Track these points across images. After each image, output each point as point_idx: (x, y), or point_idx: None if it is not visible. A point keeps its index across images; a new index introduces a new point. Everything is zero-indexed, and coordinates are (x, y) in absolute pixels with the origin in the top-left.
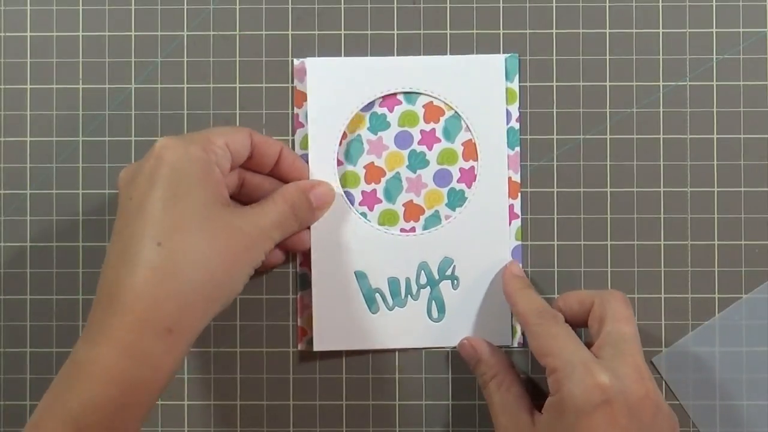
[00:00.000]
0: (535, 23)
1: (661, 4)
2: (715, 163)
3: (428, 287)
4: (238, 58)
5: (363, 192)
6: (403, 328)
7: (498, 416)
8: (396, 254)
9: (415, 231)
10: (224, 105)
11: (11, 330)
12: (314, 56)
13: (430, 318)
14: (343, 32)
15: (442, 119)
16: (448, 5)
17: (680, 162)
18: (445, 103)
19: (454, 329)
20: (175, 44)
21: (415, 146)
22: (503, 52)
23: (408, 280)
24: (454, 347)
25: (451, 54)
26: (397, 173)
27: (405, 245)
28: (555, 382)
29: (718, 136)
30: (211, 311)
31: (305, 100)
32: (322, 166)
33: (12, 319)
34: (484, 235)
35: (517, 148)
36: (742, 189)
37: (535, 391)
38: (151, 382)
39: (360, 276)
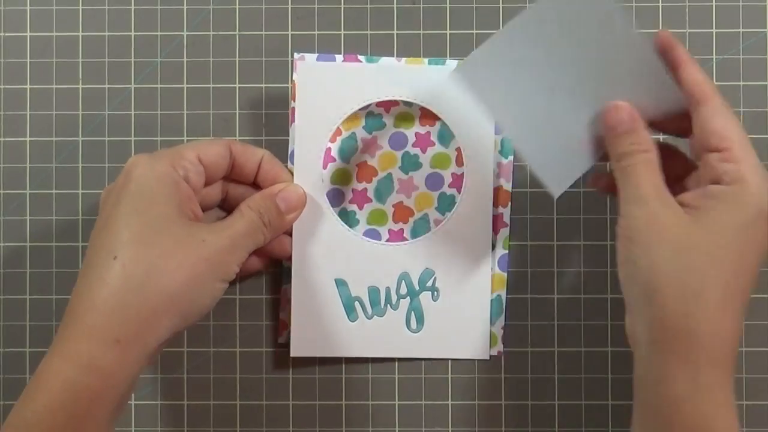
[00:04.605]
0: None
1: (661, 4)
2: None
3: (408, 298)
4: (237, 58)
5: (354, 190)
6: (380, 338)
7: (640, 191)
8: (377, 264)
9: (403, 233)
10: (224, 105)
11: (11, 330)
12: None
13: (408, 329)
14: (343, 32)
15: (438, 123)
16: (448, 5)
17: None
18: (432, 112)
19: (432, 341)
20: (175, 44)
21: (408, 148)
22: None
23: (388, 290)
24: (431, 358)
25: (450, 56)
26: (389, 174)
27: (387, 255)
28: (737, 172)
29: None
30: (168, 324)
31: None
32: (306, 167)
33: (12, 319)
34: (465, 247)
35: (511, 157)
36: None
37: None
38: (101, 390)
39: (340, 284)
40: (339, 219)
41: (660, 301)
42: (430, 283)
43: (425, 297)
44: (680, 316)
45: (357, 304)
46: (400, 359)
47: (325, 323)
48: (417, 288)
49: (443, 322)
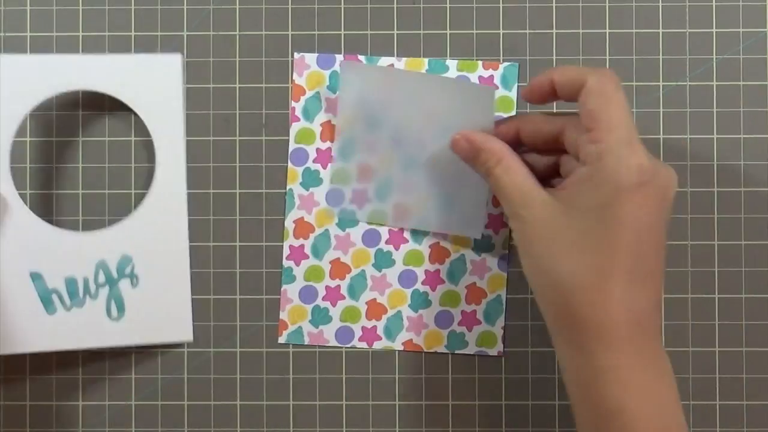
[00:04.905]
0: (535, 23)
1: (661, 4)
2: (715, 163)
3: (107, 286)
4: (238, 58)
5: (354, 190)
6: (83, 329)
7: (509, 198)
8: (72, 253)
9: (403, 232)
10: (224, 105)
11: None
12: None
13: (109, 317)
14: (343, 32)
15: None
16: (448, 5)
17: (680, 162)
18: (120, 102)
19: (134, 327)
20: (175, 44)
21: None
22: (503, 53)
23: (86, 280)
24: (139, 347)
25: (450, 56)
26: (390, 174)
27: (82, 244)
28: (597, 153)
29: (718, 136)
30: None
31: (303, 94)
32: None
33: None
34: (161, 231)
35: None
36: (742, 189)
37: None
38: None
39: (35, 277)
40: (30, 210)
41: (548, 294)
42: (128, 270)
43: (125, 284)
44: (561, 306)
45: (55, 296)
46: (109, 349)
47: (23, 318)
48: (115, 276)
49: (144, 307)
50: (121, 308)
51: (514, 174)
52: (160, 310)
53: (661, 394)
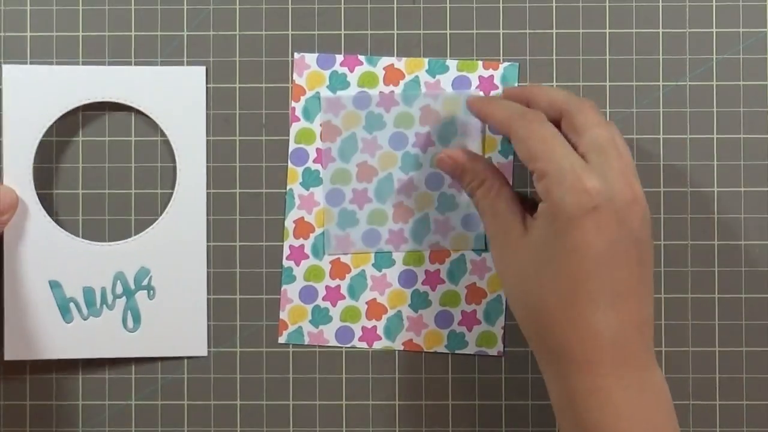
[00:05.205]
0: (535, 23)
1: (661, 4)
2: (715, 163)
3: (124, 297)
4: (238, 58)
5: (354, 190)
6: (98, 338)
7: (489, 224)
8: (91, 264)
9: (403, 233)
10: (224, 105)
11: None
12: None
13: (125, 328)
14: (343, 32)
15: (438, 123)
16: (448, 5)
17: (680, 162)
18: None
19: (149, 339)
20: (175, 44)
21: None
22: (503, 53)
23: (104, 290)
24: (148, 357)
25: (451, 56)
26: (390, 174)
27: (101, 255)
28: (544, 188)
29: (718, 136)
30: None
31: (303, 94)
32: (16, 170)
33: None
34: (180, 245)
35: (511, 157)
36: (742, 189)
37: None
38: None
39: (54, 285)
40: (51, 219)
41: (524, 317)
42: (145, 282)
43: (141, 296)
44: (536, 330)
45: (72, 305)
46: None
47: (39, 326)
48: (133, 287)
49: (160, 320)
50: (137, 319)
51: (495, 197)
52: (176, 323)
53: (646, 412)
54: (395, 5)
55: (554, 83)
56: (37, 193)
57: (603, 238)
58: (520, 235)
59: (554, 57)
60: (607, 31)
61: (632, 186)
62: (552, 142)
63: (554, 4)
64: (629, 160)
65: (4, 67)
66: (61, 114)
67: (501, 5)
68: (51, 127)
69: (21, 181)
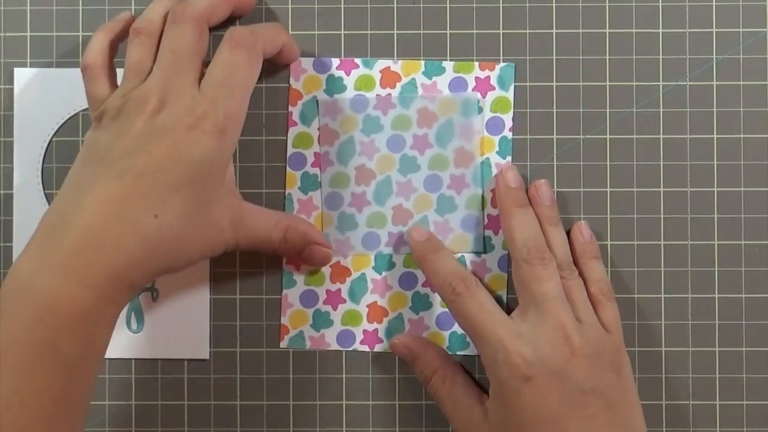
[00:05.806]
0: (535, 23)
1: (661, 4)
2: (715, 163)
3: None
4: None
5: (352, 193)
6: None
7: (450, 413)
8: None
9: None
10: None
11: None
12: (314, 56)
13: (129, 328)
14: (343, 32)
15: (436, 125)
16: (448, 5)
17: (680, 162)
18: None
19: (152, 341)
20: None
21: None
22: (503, 53)
23: None
24: (150, 358)
25: (450, 56)
26: (388, 176)
27: None
28: (485, 367)
29: (718, 136)
30: None
31: (300, 98)
32: (26, 170)
33: None
34: None
35: (509, 157)
36: (742, 189)
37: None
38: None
39: None
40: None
41: None
42: (149, 283)
43: (145, 297)
44: None
45: None
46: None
47: None
48: None
49: (163, 322)
50: (140, 320)
51: (451, 386)
52: (178, 325)
53: None
54: (395, 5)
55: (554, 83)
56: (45, 194)
57: (551, 400)
58: (481, 420)
59: (554, 57)
60: (607, 31)
61: (570, 342)
62: (480, 315)
63: (554, 4)
64: (568, 316)
65: (16, 70)
66: (69, 115)
67: (501, 5)
68: (60, 127)
69: (30, 181)
